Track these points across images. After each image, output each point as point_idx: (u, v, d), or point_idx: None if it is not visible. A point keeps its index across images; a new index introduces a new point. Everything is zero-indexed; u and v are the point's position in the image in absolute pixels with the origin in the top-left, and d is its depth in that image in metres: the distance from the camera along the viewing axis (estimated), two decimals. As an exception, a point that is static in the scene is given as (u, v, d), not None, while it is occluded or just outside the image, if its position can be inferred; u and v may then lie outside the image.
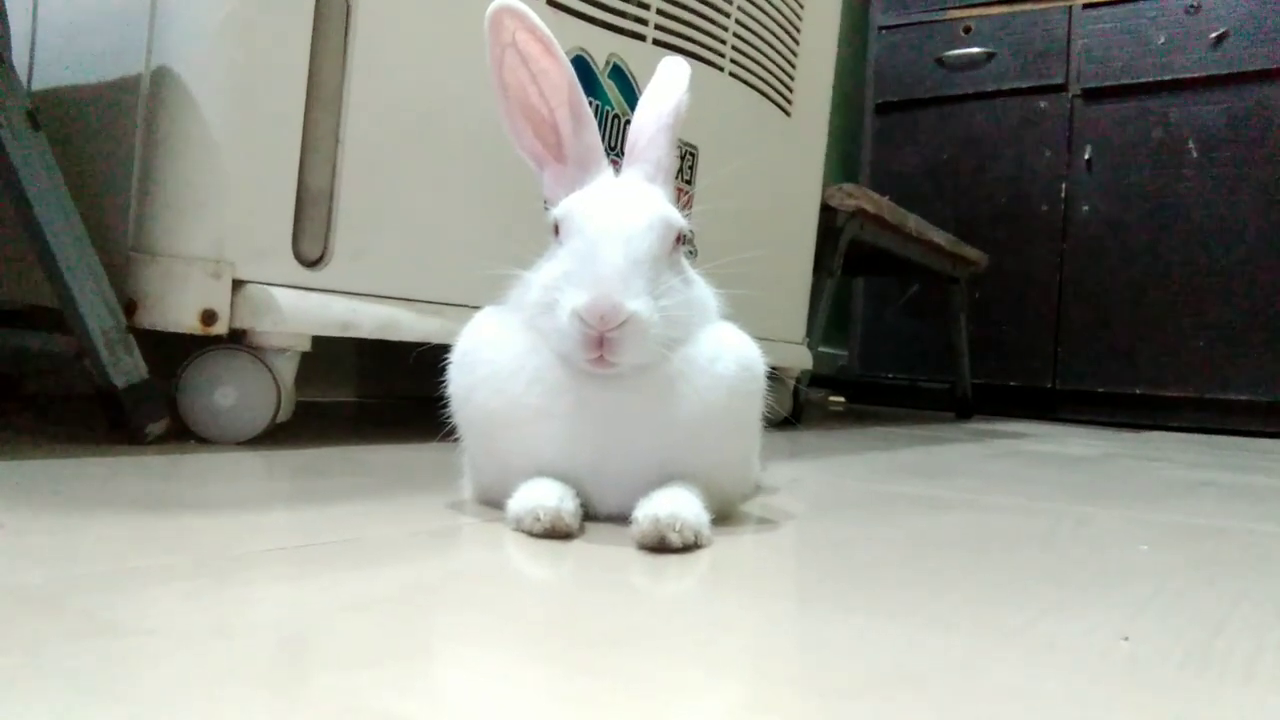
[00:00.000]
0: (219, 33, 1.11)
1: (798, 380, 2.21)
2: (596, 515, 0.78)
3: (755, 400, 0.83)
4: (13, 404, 1.42)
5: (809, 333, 2.24)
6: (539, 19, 0.83)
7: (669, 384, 0.76)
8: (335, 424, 1.58)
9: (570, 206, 0.79)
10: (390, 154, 1.26)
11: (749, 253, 2.03)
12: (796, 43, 2.09)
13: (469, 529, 0.77)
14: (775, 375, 2.09)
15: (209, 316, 1.11)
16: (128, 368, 1.07)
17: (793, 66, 2.09)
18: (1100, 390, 3.42)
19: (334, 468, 1.05)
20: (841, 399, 3.79)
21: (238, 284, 1.13)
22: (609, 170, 0.85)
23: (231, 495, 0.86)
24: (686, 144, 1.77)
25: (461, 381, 0.80)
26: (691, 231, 0.84)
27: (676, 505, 0.72)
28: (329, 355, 1.91)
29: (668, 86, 0.89)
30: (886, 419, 2.86)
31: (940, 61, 3.74)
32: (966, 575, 0.73)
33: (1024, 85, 3.59)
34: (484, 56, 0.83)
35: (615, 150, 1.59)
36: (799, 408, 2.24)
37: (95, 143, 1.18)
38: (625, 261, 0.74)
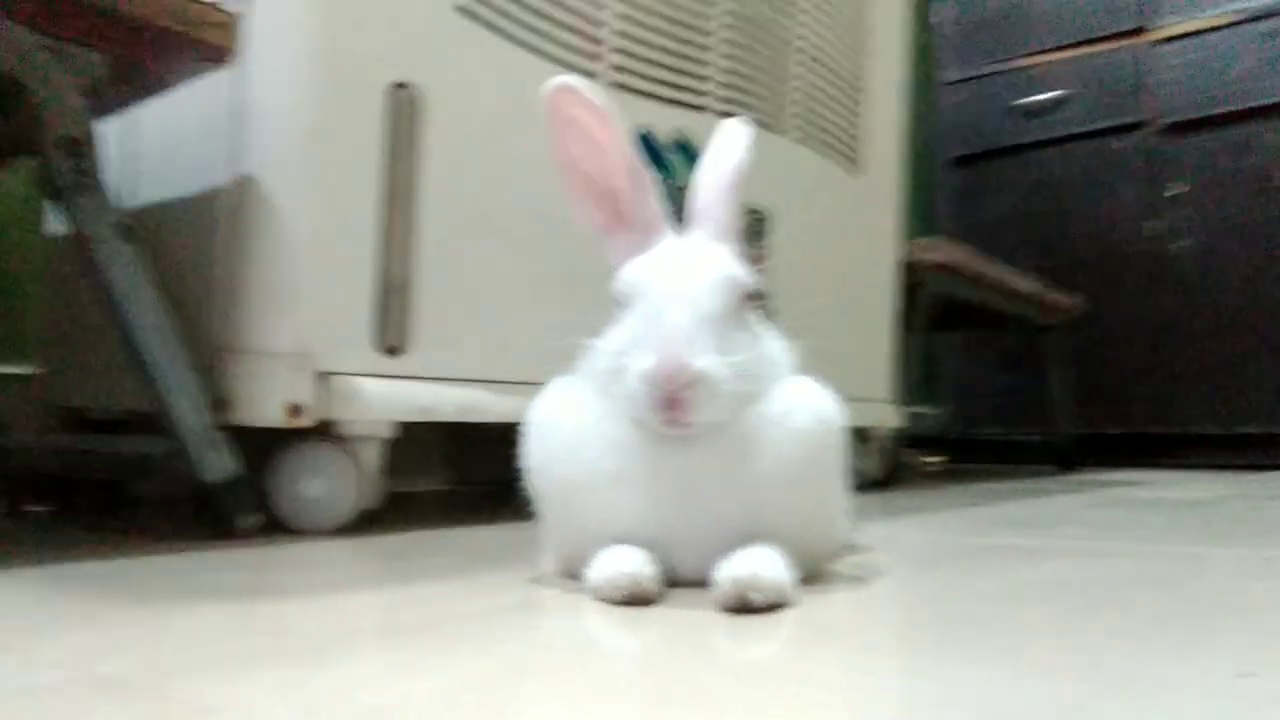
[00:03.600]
0: (298, 143, 1.16)
1: (888, 440, 2.16)
2: (678, 580, 0.77)
3: (834, 453, 0.80)
4: (115, 507, 1.47)
5: (897, 391, 2.19)
6: (594, 93, 0.85)
7: (743, 442, 0.75)
8: (424, 509, 1.59)
9: (635, 271, 0.79)
10: (465, 241, 1.29)
11: (826, 314, 2.02)
12: (860, 103, 2.10)
13: (551, 601, 0.76)
14: (863, 436, 2.06)
15: (294, 410, 1.14)
16: (218, 465, 1.10)
17: (857, 126, 2.09)
18: (1210, 432, 3.27)
19: (419, 550, 1.06)
20: (940, 458, 3.69)
21: (321, 376, 1.16)
22: (672, 235, 0.86)
23: (318, 582, 0.87)
24: (756, 209, 1.78)
25: (537, 452, 0.80)
26: (764, 290, 0.83)
27: (757, 565, 0.70)
28: (420, 442, 1.94)
29: (728, 147, 0.90)
30: (986, 475, 2.77)
31: (1013, 110, 3.70)
32: (1072, 621, 0.69)
33: (1101, 126, 3.53)
34: (546, 141, 0.85)
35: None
36: (892, 468, 2.19)
37: (189, 250, 1.23)
38: (691, 321, 0.74)
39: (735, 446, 0.75)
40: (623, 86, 1.50)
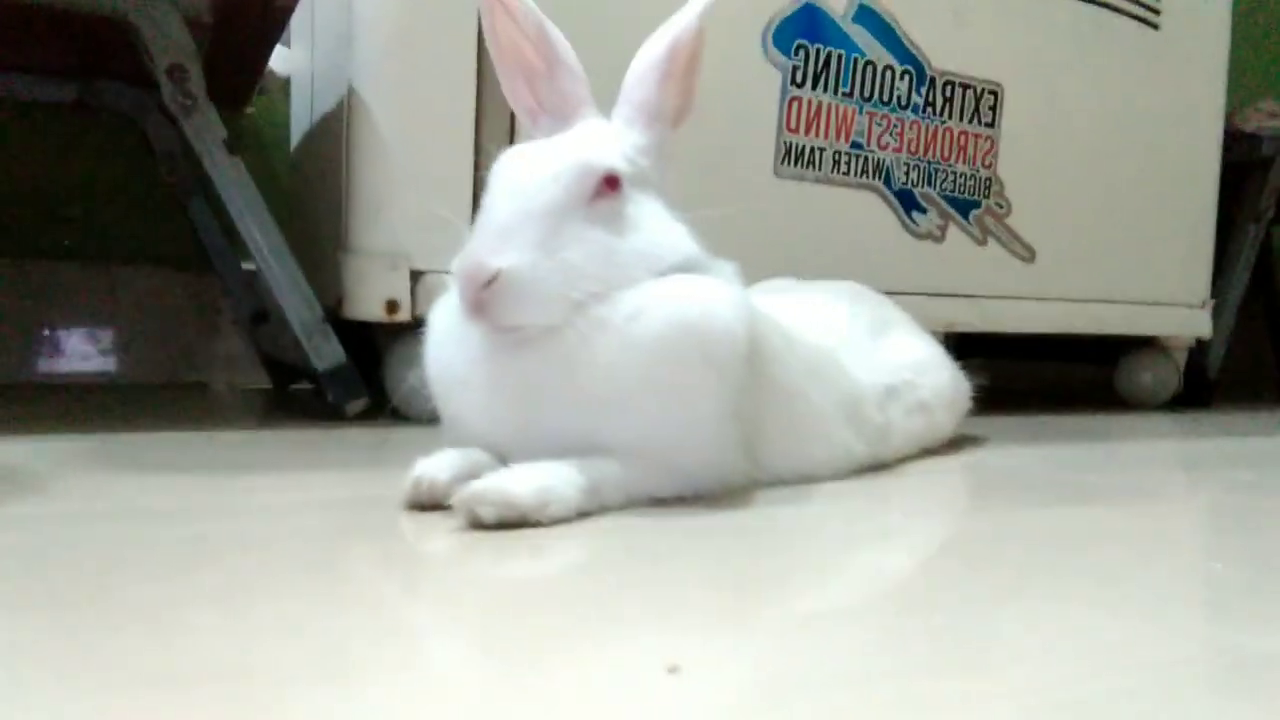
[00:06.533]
0: (389, 51, 1.21)
1: (1193, 351, 1.79)
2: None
3: (701, 364, 0.70)
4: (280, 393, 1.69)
5: (1206, 294, 1.79)
6: (511, -28, 0.80)
7: (575, 348, 0.69)
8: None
9: (497, 162, 0.75)
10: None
11: (1096, 201, 1.71)
12: (1162, -63, 1.70)
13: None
14: (1154, 344, 1.73)
15: (392, 305, 1.21)
16: (326, 354, 1.22)
17: (1158, -32, 1.70)
18: None
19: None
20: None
21: (416, 274, 1.22)
22: (594, 120, 0.79)
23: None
24: (984, 82, 1.54)
25: (424, 353, 0.80)
26: (636, 169, 0.74)
27: (505, 478, 0.64)
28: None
29: (675, 18, 0.80)
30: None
31: None
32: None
33: None
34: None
35: (884, 102, 1.44)
36: (1204, 385, 1.82)
37: (326, 161, 1.35)
38: (510, 215, 0.69)
39: (567, 352, 0.69)
40: (770, -43, 1.36)
